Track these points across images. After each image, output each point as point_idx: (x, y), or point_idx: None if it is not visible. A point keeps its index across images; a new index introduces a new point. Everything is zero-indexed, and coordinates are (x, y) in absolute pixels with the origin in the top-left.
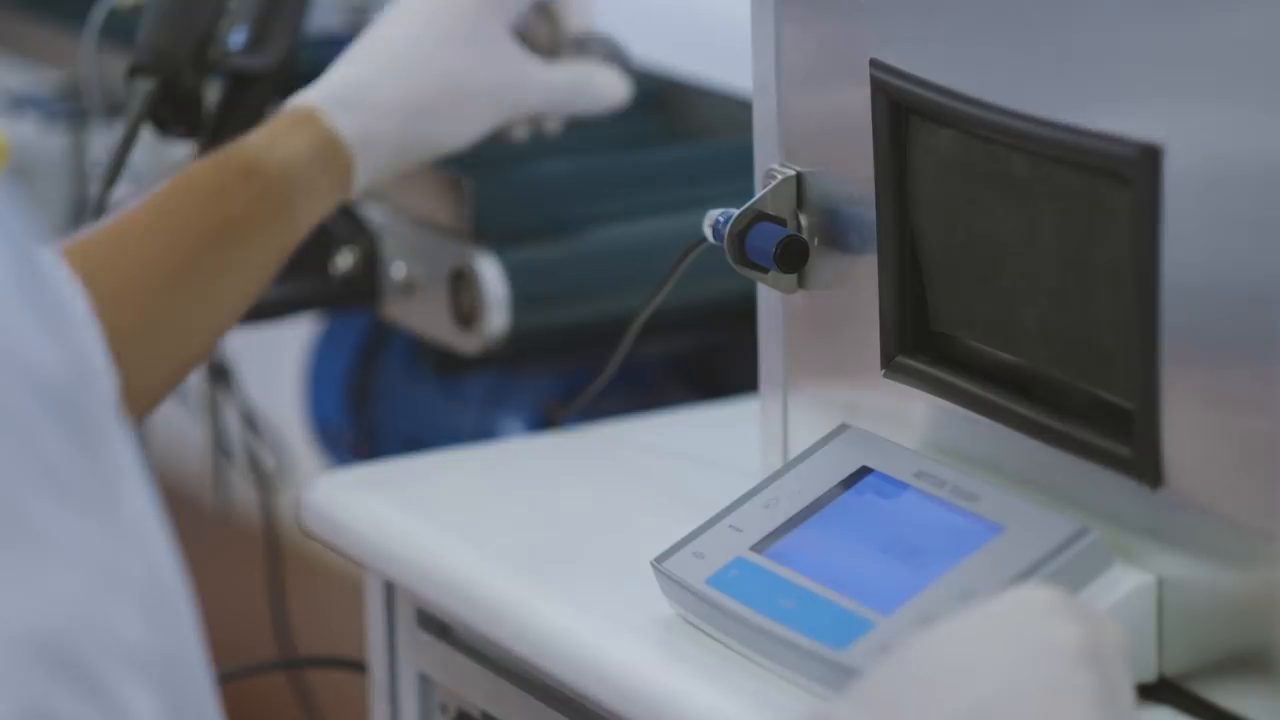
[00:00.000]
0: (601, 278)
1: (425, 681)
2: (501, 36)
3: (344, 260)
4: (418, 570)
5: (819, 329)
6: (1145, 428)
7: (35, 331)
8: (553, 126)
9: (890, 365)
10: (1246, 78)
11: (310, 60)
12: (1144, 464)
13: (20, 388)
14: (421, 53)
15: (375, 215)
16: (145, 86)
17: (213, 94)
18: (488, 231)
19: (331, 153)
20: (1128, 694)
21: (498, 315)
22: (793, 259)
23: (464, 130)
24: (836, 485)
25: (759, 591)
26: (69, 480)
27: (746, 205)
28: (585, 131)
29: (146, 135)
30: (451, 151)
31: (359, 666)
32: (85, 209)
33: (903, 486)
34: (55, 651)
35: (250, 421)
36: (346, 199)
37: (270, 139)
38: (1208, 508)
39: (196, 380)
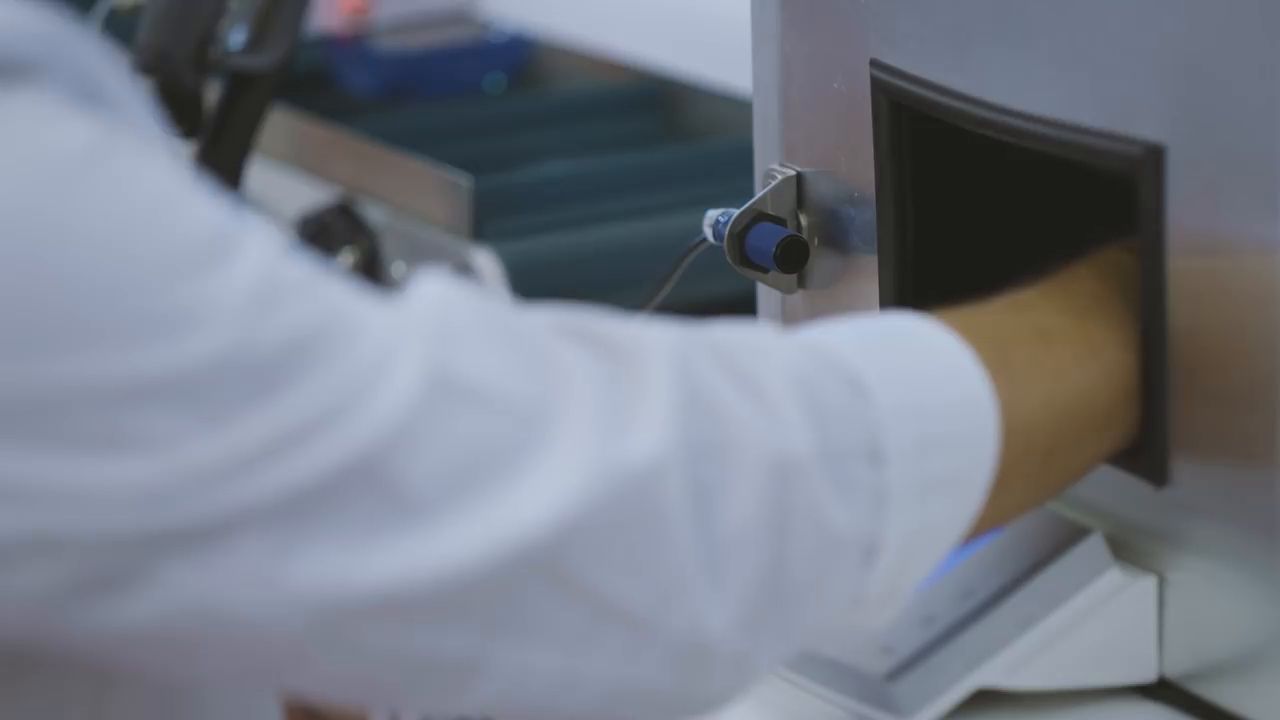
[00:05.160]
0: (601, 277)
1: None
2: None
3: (344, 260)
4: None
5: None
6: (1150, 427)
7: None
8: None
9: None
10: (1246, 78)
11: (310, 60)
12: (1150, 463)
13: None
14: None
15: (375, 215)
16: (145, 87)
17: (213, 94)
18: (487, 231)
19: None
20: None
21: None
22: (793, 259)
23: None
24: None
25: None
26: None
27: (746, 205)
28: (585, 131)
29: None
30: None
31: None
32: None
33: None
34: None
35: None
36: None
37: None
38: (1208, 508)
39: None
